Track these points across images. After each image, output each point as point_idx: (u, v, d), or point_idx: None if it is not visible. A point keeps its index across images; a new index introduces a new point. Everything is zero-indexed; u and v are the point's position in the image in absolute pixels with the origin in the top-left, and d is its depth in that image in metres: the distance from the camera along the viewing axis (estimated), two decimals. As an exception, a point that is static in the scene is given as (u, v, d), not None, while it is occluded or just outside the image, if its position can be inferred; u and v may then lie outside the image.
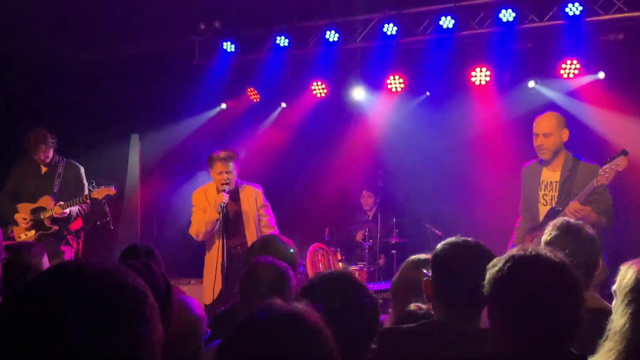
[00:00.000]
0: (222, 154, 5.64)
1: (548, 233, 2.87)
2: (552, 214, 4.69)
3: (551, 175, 4.94)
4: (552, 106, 6.46)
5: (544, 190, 4.97)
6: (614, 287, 2.04)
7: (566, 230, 2.79)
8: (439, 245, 2.41)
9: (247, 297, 2.71)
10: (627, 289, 1.95)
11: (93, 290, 1.03)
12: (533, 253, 1.80)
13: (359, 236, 7.70)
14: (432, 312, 2.43)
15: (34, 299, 1.02)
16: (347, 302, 2.02)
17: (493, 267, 1.84)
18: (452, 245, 2.38)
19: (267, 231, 5.67)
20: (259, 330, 1.32)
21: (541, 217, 4.87)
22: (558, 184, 4.84)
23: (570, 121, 6.15)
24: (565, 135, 4.91)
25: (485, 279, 1.86)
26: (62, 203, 5.95)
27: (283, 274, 2.72)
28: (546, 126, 4.86)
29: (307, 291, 2.14)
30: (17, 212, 6.10)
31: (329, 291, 2.06)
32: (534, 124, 5.03)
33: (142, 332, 1.05)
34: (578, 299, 1.76)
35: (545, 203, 4.94)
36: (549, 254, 1.80)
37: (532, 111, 6.61)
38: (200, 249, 6.44)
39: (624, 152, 4.54)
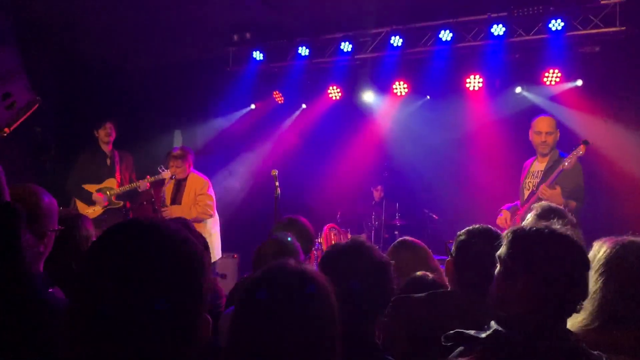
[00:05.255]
0: (175, 152, 5.80)
1: (533, 215, 2.93)
2: (530, 196, 4.87)
3: (539, 166, 5.01)
4: (535, 109, 6.51)
5: (530, 178, 5.05)
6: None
7: (548, 213, 2.82)
8: (461, 232, 2.36)
9: (255, 268, 2.67)
10: (600, 263, 2.00)
11: (168, 244, 1.01)
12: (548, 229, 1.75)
13: (367, 228, 7.69)
14: (445, 282, 2.40)
15: (116, 248, 1.00)
16: (363, 263, 1.91)
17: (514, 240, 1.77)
18: (471, 231, 2.33)
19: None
20: (270, 290, 1.27)
21: (525, 199, 5.03)
22: (541, 172, 4.92)
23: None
24: (558, 135, 5.02)
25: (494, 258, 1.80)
26: (149, 177, 6.02)
27: (287, 249, 2.63)
28: (549, 125, 4.95)
29: (325, 257, 2.06)
30: (83, 191, 6.15)
31: (346, 257, 1.97)
32: (535, 123, 5.05)
33: (203, 279, 1.05)
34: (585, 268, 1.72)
35: (528, 188, 5.01)
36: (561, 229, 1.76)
37: (518, 113, 6.81)
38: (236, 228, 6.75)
39: (585, 142, 4.61)
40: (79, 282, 0.99)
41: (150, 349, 0.95)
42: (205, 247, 2.12)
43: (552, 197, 4.43)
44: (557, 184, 4.62)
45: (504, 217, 5.04)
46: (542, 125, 4.97)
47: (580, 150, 4.55)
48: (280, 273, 1.30)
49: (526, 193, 5.04)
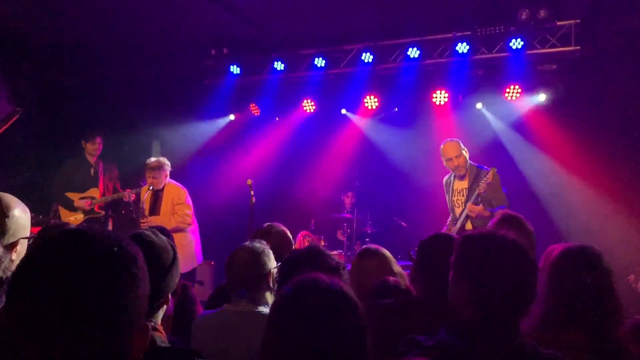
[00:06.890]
0: (151, 164, 5.72)
1: (494, 223, 2.96)
2: (461, 214, 5.07)
3: (462, 184, 5.16)
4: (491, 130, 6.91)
5: (457, 196, 5.20)
6: None
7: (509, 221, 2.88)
8: (425, 239, 2.36)
9: (227, 274, 2.66)
10: (548, 268, 2.04)
11: (90, 251, 0.99)
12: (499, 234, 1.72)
13: (339, 235, 7.65)
14: (409, 287, 2.42)
15: (44, 259, 0.98)
16: (318, 266, 1.94)
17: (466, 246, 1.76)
18: (434, 237, 2.35)
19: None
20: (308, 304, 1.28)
21: (457, 215, 5.19)
22: (466, 190, 5.09)
23: (499, 147, 6.85)
24: (467, 153, 5.10)
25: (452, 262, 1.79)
26: (131, 190, 5.99)
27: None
28: (454, 150, 5.05)
29: (285, 263, 2.14)
30: (66, 199, 6.12)
31: (303, 259, 2.03)
32: (442, 151, 5.16)
33: (130, 287, 1.02)
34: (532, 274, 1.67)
35: (458, 206, 5.19)
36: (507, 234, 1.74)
37: (480, 126, 7.04)
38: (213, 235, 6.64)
39: (493, 169, 4.87)
40: (10, 292, 0.97)
41: (82, 356, 0.94)
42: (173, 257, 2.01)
43: (481, 212, 4.77)
44: (481, 202, 4.91)
45: None
46: (449, 152, 5.09)
47: (489, 177, 4.78)
48: (303, 276, 1.35)
49: (457, 210, 5.18)
